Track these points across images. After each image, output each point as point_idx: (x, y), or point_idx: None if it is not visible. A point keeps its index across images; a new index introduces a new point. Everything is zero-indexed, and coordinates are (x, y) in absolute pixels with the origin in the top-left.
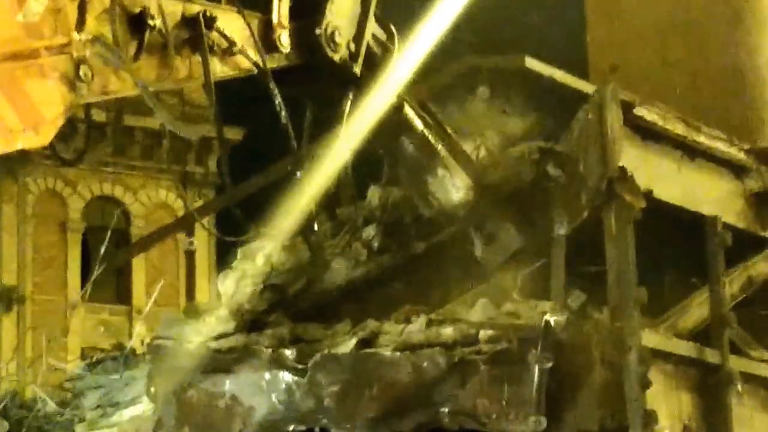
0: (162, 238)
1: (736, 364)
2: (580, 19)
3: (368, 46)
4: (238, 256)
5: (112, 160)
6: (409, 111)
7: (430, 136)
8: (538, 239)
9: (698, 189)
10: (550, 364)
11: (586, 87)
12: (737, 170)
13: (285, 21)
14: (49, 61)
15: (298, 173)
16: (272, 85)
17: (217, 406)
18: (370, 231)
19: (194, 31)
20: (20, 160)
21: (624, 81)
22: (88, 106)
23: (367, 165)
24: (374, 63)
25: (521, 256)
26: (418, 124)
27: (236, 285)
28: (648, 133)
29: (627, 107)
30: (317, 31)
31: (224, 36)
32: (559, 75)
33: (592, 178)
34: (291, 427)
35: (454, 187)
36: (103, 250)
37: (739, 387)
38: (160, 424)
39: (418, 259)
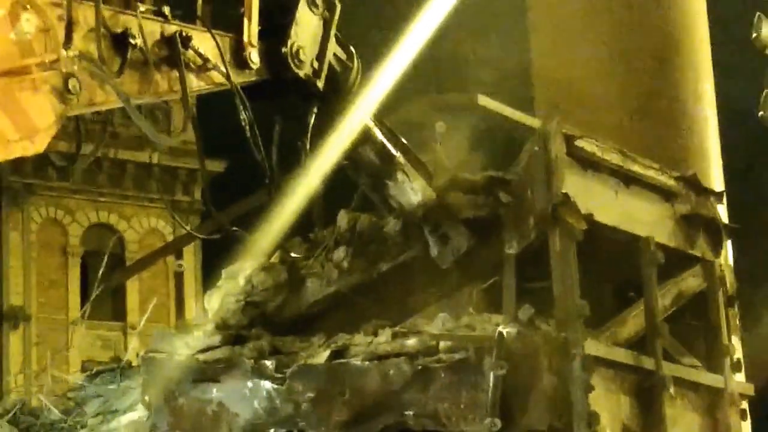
0: (154, 261)
1: (668, 369)
2: (527, 59)
3: (330, 65)
4: (223, 277)
5: (108, 191)
6: (369, 123)
7: (388, 146)
8: (491, 259)
9: (633, 212)
10: (503, 371)
11: (533, 122)
12: (668, 195)
13: (254, 40)
14: (40, 76)
15: (268, 182)
16: (241, 100)
17: (205, 412)
18: (340, 253)
19: (172, 50)
20: (25, 191)
21: (566, 116)
22: (77, 118)
23: (336, 192)
24: (336, 79)
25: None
26: (378, 135)
27: (221, 303)
28: (588, 163)
29: (569, 140)
30: (283, 50)
31: (199, 54)
32: (509, 111)
33: (538, 203)
34: (272, 431)
35: (412, 191)
36: (100, 272)
37: (672, 390)
38: (154, 429)
39: (384, 278)
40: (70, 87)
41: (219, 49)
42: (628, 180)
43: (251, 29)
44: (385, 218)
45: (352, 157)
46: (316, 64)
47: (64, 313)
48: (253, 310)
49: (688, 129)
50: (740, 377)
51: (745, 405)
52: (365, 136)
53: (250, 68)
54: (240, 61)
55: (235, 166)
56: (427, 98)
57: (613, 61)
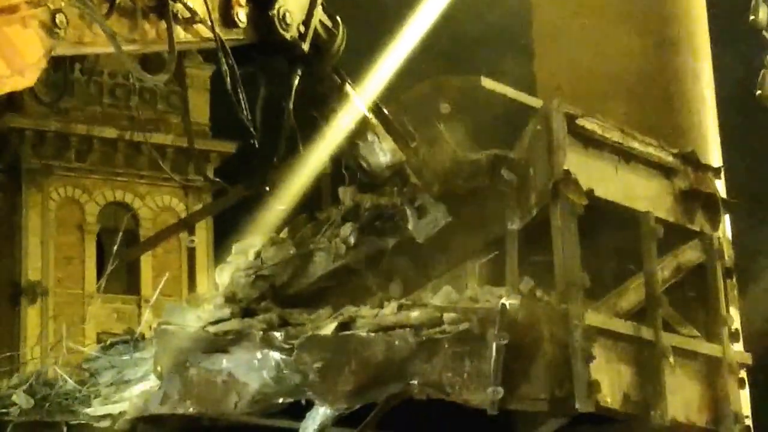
0: (167, 237)
1: (668, 339)
2: (528, 45)
3: (315, 30)
4: (233, 252)
5: (123, 170)
6: (348, 89)
7: (361, 106)
8: (494, 234)
9: (633, 188)
10: (505, 342)
11: (535, 102)
12: (667, 171)
13: (242, 0)
14: (29, 12)
15: (254, 141)
16: (225, 53)
17: (216, 382)
18: (346, 229)
19: (160, 0)
20: (44, 171)
21: (567, 96)
22: (66, 59)
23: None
24: (321, 44)
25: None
26: (353, 96)
27: (231, 277)
28: (589, 141)
29: (570, 118)
30: (271, 13)
31: (187, 7)
32: (512, 92)
33: (540, 180)
34: (280, 400)
35: (381, 151)
36: (115, 248)
37: (671, 360)
38: (166, 398)
39: (389, 253)
40: (57, 22)
41: (207, 4)
42: (628, 157)
43: None
44: (388, 195)
45: (327, 116)
46: (302, 29)
47: (80, 288)
48: (262, 283)
49: (686, 107)
50: (738, 347)
51: (743, 374)
52: (344, 103)
53: (237, 27)
54: (227, 19)
55: (247, 147)
56: (431, 80)
57: (613, 41)
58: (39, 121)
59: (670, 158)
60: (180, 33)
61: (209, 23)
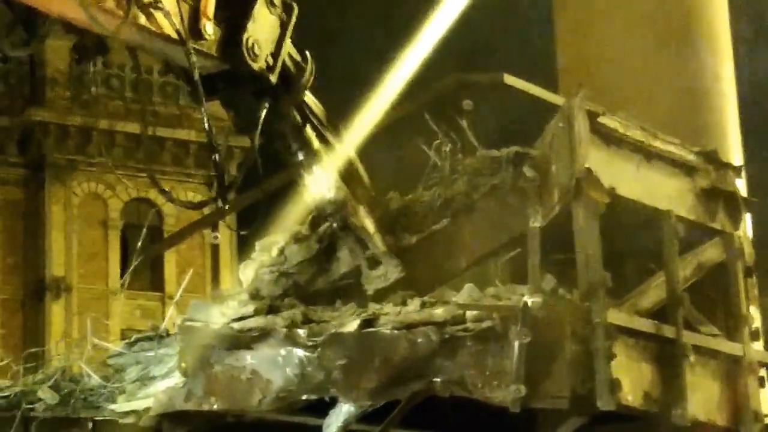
0: (190, 233)
1: (688, 338)
2: (551, 44)
3: (284, 63)
4: (257, 249)
5: (147, 166)
6: (308, 131)
7: (314, 142)
8: (517, 231)
9: (655, 186)
10: (528, 340)
11: (557, 100)
12: (688, 170)
13: (210, 13)
14: None
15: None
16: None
17: (240, 378)
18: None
19: None
20: (67, 167)
21: (589, 94)
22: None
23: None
24: (289, 78)
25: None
26: (313, 142)
27: (255, 274)
28: (610, 139)
29: (592, 116)
30: (239, 41)
31: None
32: (534, 89)
33: (562, 177)
34: (304, 397)
35: (326, 186)
36: (139, 244)
37: (692, 358)
38: (190, 394)
39: (411, 250)
40: None
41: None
42: (650, 155)
43: (209, 2)
44: (414, 194)
45: (284, 154)
46: (270, 60)
47: (104, 284)
48: (286, 281)
49: (707, 106)
50: (758, 346)
51: (763, 372)
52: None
53: (204, 39)
54: (195, 30)
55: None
56: (454, 76)
57: (634, 40)
58: (62, 115)
59: (692, 157)
60: (141, 17)
61: (174, 20)
